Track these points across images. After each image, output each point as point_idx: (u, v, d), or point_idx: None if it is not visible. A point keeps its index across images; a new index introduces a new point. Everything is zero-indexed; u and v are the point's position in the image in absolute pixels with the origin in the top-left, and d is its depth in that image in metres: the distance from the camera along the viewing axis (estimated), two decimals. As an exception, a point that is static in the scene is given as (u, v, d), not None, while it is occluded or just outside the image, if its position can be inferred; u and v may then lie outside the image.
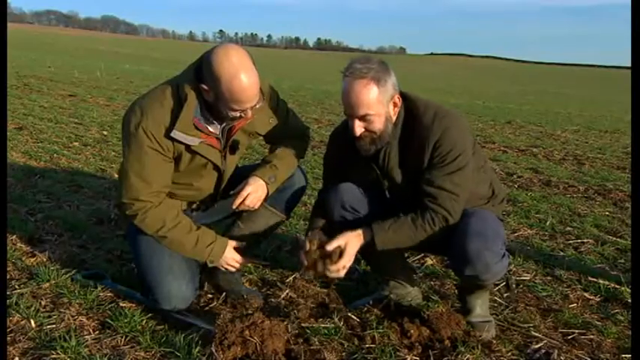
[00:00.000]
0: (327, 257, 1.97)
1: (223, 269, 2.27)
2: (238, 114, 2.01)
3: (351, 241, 1.99)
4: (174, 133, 2.00)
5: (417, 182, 2.03)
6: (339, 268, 1.98)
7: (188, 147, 2.07)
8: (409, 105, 2.06)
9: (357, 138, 2.01)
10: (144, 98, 2.08)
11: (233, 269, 2.27)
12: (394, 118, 2.04)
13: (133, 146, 2.03)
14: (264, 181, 2.18)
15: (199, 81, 1.98)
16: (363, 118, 1.96)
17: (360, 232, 2.02)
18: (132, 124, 2.02)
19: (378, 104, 1.94)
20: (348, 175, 2.20)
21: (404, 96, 2.07)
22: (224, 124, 2.13)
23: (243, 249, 2.26)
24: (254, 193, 2.17)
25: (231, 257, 2.22)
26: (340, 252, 1.97)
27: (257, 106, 2.04)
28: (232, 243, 2.23)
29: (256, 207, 2.21)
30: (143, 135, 2.00)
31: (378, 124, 1.98)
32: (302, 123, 2.47)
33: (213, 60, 1.91)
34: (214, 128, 2.12)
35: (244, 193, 2.15)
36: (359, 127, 1.98)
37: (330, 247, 1.97)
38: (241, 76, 1.90)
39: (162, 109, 2.01)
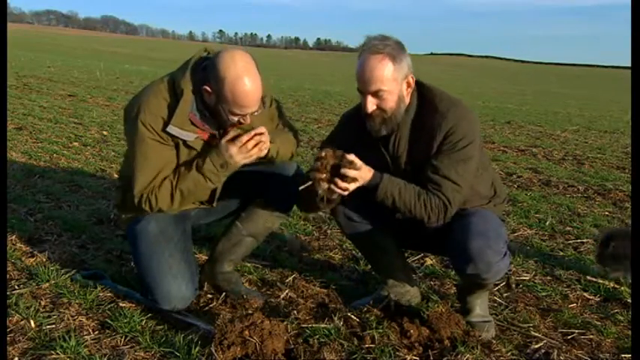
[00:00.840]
0: (347, 162, 1.92)
1: (242, 162, 2.06)
2: (237, 119, 2.01)
3: (363, 168, 1.97)
4: (170, 128, 2.01)
5: (423, 168, 2.04)
6: (353, 178, 1.94)
7: (185, 142, 2.08)
8: (424, 91, 2.07)
9: (368, 116, 2.02)
10: (141, 93, 2.10)
11: (249, 157, 2.05)
12: (407, 100, 2.04)
13: (134, 140, 2.05)
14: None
15: (202, 82, 1.99)
16: (375, 94, 1.97)
17: (373, 170, 2.01)
18: (130, 119, 2.05)
19: (392, 81, 1.95)
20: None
21: (418, 82, 2.08)
22: (221, 129, 2.12)
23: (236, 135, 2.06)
24: (265, 135, 2.04)
25: (229, 153, 2.03)
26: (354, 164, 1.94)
27: (256, 114, 2.04)
28: (223, 141, 2.05)
29: (261, 154, 2.08)
30: (142, 127, 2.02)
31: (390, 102, 1.99)
32: (294, 126, 2.44)
33: (219, 62, 1.92)
34: (210, 125, 2.12)
35: (261, 130, 2.02)
36: (371, 104, 1.98)
37: (351, 156, 1.93)
38: (245, 79, 1.91)
39: (158, 103, 2.03)
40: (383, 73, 1.94)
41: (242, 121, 2.02)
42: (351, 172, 1.93)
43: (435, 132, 2.00)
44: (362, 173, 1.96)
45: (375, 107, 1.99)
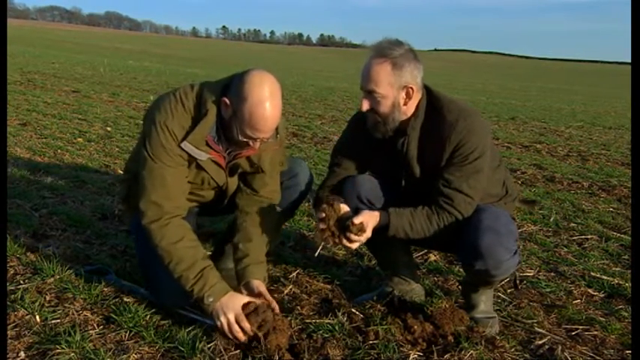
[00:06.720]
0: (351, 226, 1.92)
1: (217, 322, 1.92)
2: (246, 141, 1.96)
3: (370, 221, 1.97)
4: (185, 145, 1.98)
5: (433, 178, 2.03)
6: (359, 241, 1.95)
7: (195, 160, 2.05)
8: (432, 98, 2.07)
9: (365, 115, 2.06)
10: (169, 97, 2.03)
11: (225, 327, 1.90)
12: (404, 109, 2.03)
13: (153, 142, 1.98)
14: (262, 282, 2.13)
15: (223, 94, 1.95)
16: (370, 95, 2.00)
17: (377, 214, 2.01)
18: (157, 121, 1.98)
19: (386, 85, 1.96)
20: (365, 159, 2.22)
21: (427, 90, 2.08)
22: (229, 150, 2.09)
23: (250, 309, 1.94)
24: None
25: (231, 306, 1.91)
26: (361, 228, 1.95)
27: (266, 141, 2.00)
28: (239, 297, 1.99)
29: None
30: (166, 131, 1.97)
31: (383, 107, 2.00)
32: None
33: (246, 80, 1.88)
34: (224, 147, 2.09)
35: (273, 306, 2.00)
36: (365, 103, 2.02)
37: (357, 220, 1.93)
38: (267, 104, 1.85)
39: (184, 112, 1.98)
40: (379, 76, 1.96)
41: (251, 144, 1.98)
42: (356, 238, 1.93)
43: (445, 142, 1.99)
44: (368, 231, 1.95)
45: (368, 107, 2.02)
